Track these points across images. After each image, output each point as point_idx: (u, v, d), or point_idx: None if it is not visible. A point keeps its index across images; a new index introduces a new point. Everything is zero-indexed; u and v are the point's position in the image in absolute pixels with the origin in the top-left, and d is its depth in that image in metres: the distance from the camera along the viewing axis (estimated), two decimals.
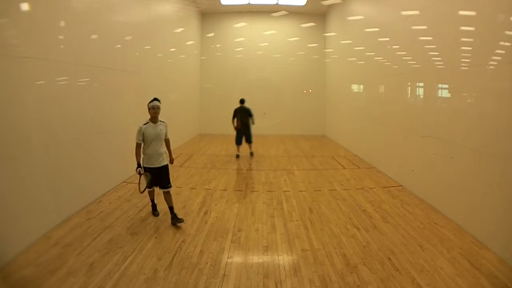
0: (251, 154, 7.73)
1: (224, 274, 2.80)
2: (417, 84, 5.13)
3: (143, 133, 3.73)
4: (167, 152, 4.05)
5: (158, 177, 3.85)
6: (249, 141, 7.58)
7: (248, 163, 7.02)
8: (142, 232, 3.58)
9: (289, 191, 5.14)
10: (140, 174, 3.72)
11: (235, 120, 7.43)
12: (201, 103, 11.58)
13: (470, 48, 3.70)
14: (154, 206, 4.18)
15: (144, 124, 3.78)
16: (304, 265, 2.94)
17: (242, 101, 7.53)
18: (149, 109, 3.84)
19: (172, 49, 8.40)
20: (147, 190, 3.88)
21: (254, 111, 7.45)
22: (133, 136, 3.76)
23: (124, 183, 5.32)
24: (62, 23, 3.78)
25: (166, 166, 3.92)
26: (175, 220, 3.79)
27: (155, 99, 3.88)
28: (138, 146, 3.75)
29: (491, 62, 3.31)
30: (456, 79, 3.95)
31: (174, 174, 5.99)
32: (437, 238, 3.44)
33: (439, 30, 4.28)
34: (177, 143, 8.85)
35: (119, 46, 5.24)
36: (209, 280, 2.71)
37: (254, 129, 7.63)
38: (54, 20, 3.65)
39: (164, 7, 7.82)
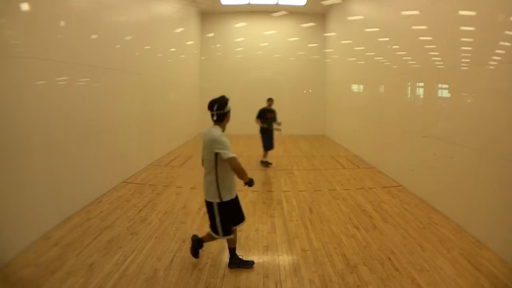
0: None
1: (224, 274, 2.80)
2: (417, 84, 5.13)
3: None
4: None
5: (237, 209, 2.85)
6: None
7: (248, 163, 7.02)
8: (142, 232, 3.58)
9: (289, 191, 5.14)
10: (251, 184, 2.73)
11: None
12: (201, 103, 11.56)
13: (470, 48, 3.70)
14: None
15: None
16: (304, 265, 2.95)
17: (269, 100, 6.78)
18: (227, 113, 2.76)
19: (172, 49, 8.39)
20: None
21: (254, 112, 7.07)
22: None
23: (124, 183, 5.31)
24: (62, 23, 3.78)
25: None
26: (240, 263, 2.93)
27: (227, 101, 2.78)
28: (236, 159, 2.58)
29: (491, 62, 3.31)
30: (456, 79, 3.95)
31: (174, 174, 6.00)
32: (437, 238, 3.44)
33: (439, 30, 4.28)
34: (177, 143, 8.86)
35: (119, 46, 5.24)
36: (209, 280, 2.71)
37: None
38: (54, 20, 3.64)
39: (164, 7, 7.82)
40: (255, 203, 4.57)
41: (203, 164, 2.78)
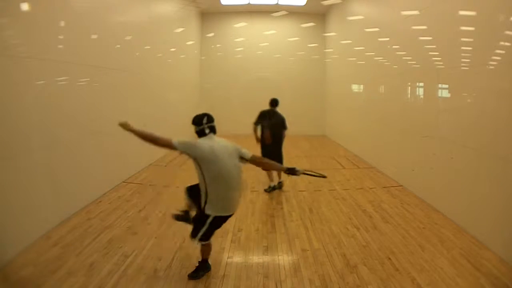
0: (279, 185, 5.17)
1: (224, 274, 2.80)
2: (417, 84, 5.13)
3: None
4: None
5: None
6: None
7: (248, 163, 7.01)
8: (142, 232, 3.58)
9: (289, 191, 5.14)
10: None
11: (261, 128, 5.02)
12: (201, 103, 11.56)
13: (470, 48, 3.69)
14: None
15: None
16: (304, 265, 2.94)
17: (274, 103, 5.16)
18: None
19: (172, 49, 8.39)
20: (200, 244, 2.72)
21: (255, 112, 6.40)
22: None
23: (124, 183, 5.31)
24: (62, 23, 3.78)
25: None
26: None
27: None
28: None
29: (491, 62, 3.31)
30: (456, 79, 3.95)
31: (174, 174, 5.99)
32: (437, 238, 3.44)
33: (439, 30, 4.28)
34: None
35: (119, 46, 5.24)
36: (209, 280, 2.71)
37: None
38: (54, 20, 3.65)
39: (164, 7, 7.82)
40: (255, 202, 4.57)
41: (217, 179, 2.83)
